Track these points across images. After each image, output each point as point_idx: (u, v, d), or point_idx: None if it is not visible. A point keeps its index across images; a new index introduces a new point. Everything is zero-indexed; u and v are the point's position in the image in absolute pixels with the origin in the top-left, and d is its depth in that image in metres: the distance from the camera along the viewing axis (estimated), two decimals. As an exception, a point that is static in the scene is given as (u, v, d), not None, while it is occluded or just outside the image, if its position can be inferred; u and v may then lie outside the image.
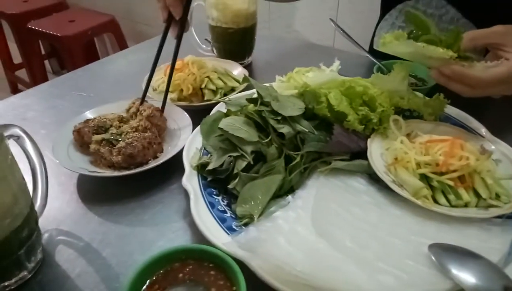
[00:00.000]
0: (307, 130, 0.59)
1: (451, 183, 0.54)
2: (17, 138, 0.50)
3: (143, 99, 0.70)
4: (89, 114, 0.71)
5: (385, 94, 0.65)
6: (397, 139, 0.62)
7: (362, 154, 0.61)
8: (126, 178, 0.60)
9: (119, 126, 0.66)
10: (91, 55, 2.58)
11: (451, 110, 0.72)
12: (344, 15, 1.87)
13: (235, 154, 0.57)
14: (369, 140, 0.63)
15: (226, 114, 0.69)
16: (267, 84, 0.71)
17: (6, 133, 0.47)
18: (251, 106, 0.67)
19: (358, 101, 0.63)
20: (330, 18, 0.93)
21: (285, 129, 0.58)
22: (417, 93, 0.74)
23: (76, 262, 0.50)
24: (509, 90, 0.64)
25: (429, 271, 0.42)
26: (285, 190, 0.57)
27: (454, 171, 0.55)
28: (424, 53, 0.61)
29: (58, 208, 0.58)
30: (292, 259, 0.41)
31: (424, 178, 0.56)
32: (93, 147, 0.62)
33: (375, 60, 0.88)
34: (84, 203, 0.59)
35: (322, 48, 1.14)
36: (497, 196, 0.53)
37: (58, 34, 2.25)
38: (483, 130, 0.68)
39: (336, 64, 0.76)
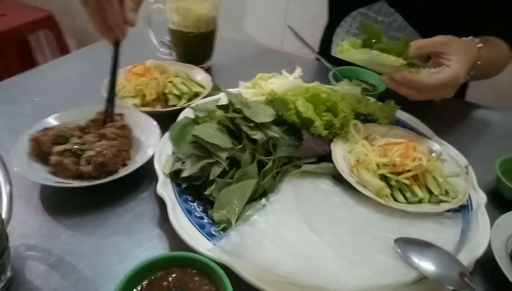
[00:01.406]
0: (278, 136, 0.61)
1: (407, 181, 0.60)
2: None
3: (112, 107, 0.68)
4: (47, 122, 0.67)
5: (346, 100, 0.70)
6: (357, 142, 0.68)
7: (327, 157, 0.65)
8: (95, 188, 0.58)
9: (80, 136, 0.64)
10: (25, 54, 2.39)
11: (401, 115, 0.79)
12: (293, 18, 1.93)
13: (210, 160, 0.58)
14: (332, 144, 0.67)
15: (194, 120, 0.70)
16: (233, 90, 0.73)
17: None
18: (219, 112, 0.69)
19: (322, 107, 0.67)
20: (288, 25, 0.97)
21: (258, 135, 0.60)
22: (370, 98, 0.80)
23: (49, 278, 0.48)
24: (449, 93, 0.72)
25: (396, 262, 0.47)
26: (259, 194, 0.59)
27: (409, 170, 0.61)
28: (377, 60, 0.67)
29: (23, 222, 0.55)
30: (278, 260, 0.44)
31: (383, 178, 0.62)
32: (54, 158, 0.59)
33: (330, 66, 0.94)
34: (51, 215, 0.57)
35: (277, 53, 1.18)
36: (446, 192, 0.60)
37: (-13, 30, 2.06)
38: (429, 132, 0.75)
39: (298, 71, 0.79)
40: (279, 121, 0.65)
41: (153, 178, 0.64)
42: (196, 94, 0.82)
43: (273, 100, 0.66)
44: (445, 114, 0.88)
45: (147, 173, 0.63)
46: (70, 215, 0.57)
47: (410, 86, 0.69)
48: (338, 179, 0.63)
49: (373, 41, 0.69)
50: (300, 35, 0.97)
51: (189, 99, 0.80)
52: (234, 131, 0.61)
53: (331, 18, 1.13)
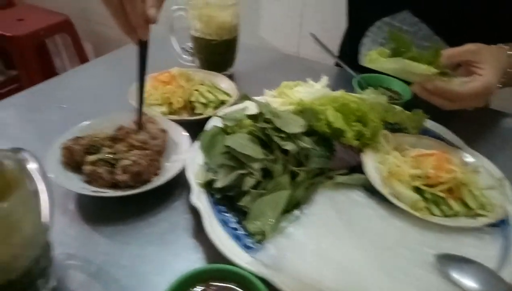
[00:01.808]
0: (309, 146, 0.61)
1: (443, 194, 0.59)
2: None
3: (141, 115, 0.68)
4: (77, 130, 0.68)
5: (375, 109, 0.70)
6: (387, 152, 0.68)
7: (358, 167, 0.65)
8: (129, 197, 0.59)
9: (111, 146, 0.64)
10: (43, 58, 2.43)
11: (429, 124, 0.79)
12: (308, 23, 1.93)
13: (243, 171, 0.58)
14: (362, 154, 0.67)
15: (223, 129, 0.70)
16: (260, 99, 0.73)
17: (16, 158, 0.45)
18: (247, 122, 0.69)
19: (352, 117, 0.67)
20: (311, 33, 0.97)
21: (289, 146, 0.60)
22: (396, 107, 0.80)
23: (91, 287, 0.48)
24: (481, 102, 0.72)
25: (437, 279, 0.46)
26: (292, 205, 0.59)
27: (442, 183, 0.60)
28: (409, 69, 0.67)
29: (61, 231, 0.55)
30: (320, 275, 0.44)
31: (416, 190, 0.61)
32: (88, 168, 0.60)
33: (354, 74, 0.93)
34: (88, 224, 0.57)
35: (296, 60, 1.18)
36: (482, 206, 0.59)
37: (7, 34, 2.10)
38: (459, 142, 0.75)
39: (325, 80, 0.79)
40: (309, 131, 0.64)
41: (184, 186, 0.65)
42: (222, 102, 0.82)
43: (303, 111, 0.66)
44: (472, 123, 0.87)
45: (178, 181, 0.64)
46: (107, 224, 0.58)
47: (442, 96, 0.69)
48: (370, 190, 0.63)
49: (402, 50, 0.69)
50: (322, 42, 0.96)
51: (215, 107, 0.81)
52: (265, 142, 0.62)
53: (351, 24, 1.12)
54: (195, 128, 0.73)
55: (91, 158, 0.61)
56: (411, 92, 0.87)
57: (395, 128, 0.77)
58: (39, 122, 0.80)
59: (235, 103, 0.80)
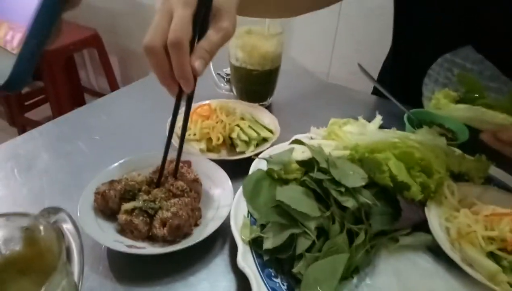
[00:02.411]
0: (370, 202, 0.54)
1: (523, 262, 0.52)
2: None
3: (178, 159, 0.62)
4: (111, 171, 0.63)
5: (440, 158, 0.62)
6: (454, 207, 0.60)
7: (421, 224, 0.58)
8: (168, 253, 0.53)
9: (149, 191, 0.59)
10: (70, 72, 2.44)
11: (492, 170, 0.71)
12: (341, 45, 1.87)
13: (297, 231, 0.52)
14: (426, 209, 0.59)
15: (268, 174, 0.64)
16: (310, 142, 0.67)
17: (52, 220, 0.39)
18: (294, 166, 0.63)
19: (416, 168, 0.59)
20: (358, 63, 0.90)
21: (349, 202, 0.53)
22: (455, 149, 0.72)
23: None
24: None
25: None
26: (350, 271, 0.52)
27: (521, 248, 0.52)
28: (484, 118, 0.59)
29: (91, 288, 0.49)
30: None
31: (491, 256, 0.53)
32: (123, 217, 0.54)
33: (405, 109, 0.86)
34: (120, 283, 0.51)
35: (334, 87, 1.11)
36: None
37: (37, 48, 2.10)
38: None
39: (378, 119, 0.72)
40: (367, 183, 0.57)
41: (225, 239, 0.59)
42: (264, 139, 0.76)
43: (362, 160, 0.59)
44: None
45: (218, 233, 0.57)
46: (141, 283, 0.52)
47: None
48: (436, 251, 0.55)
49: (474, 95, 0.61)
50: (369, 73, 0.90)
51: (257, 145, 0.75)
52: (319, 195, 0.55)
53: (396, 49, 1.05)
54: (234, 167, 0.67)
55: (127, 206, 0.56)
56: (468, 133, 0.80)
57: (453, 175, 0.69)
58: (70, 154, 0.75)
59: (276, 141, 0.74)
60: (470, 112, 0.58)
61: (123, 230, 0.56)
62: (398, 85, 0.99)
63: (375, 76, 1.10)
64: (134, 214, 0.55)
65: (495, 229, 0.55)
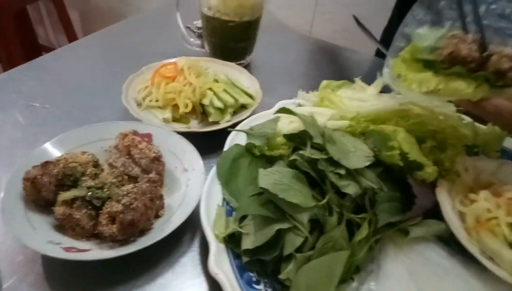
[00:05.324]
0: (376, 187, 0.43)
1: (552, 255, 0.43)
2: None
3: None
4: (49, 148, 0.49)
5: (456, 130, 0.52)
6: (469, 187, 0.50)
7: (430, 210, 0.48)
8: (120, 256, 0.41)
9: (96, 174, 0.46)
10: (23, 26, 2.17)
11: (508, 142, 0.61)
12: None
13: (285, 226, 0.40)
14: (437, 191, 0.49)
15: (248, 150, 0.52)
16: (299, 109, 0.55)
17: None
18: (280, 140, 0.51)
19: (429, 142, 0.49)
20: (353, 15, 0.77)
21: (351, 188, 0.42)
22: (465, 117, 0.62)
23: None
24: None
25: None
26: (351, 272, 0.42)
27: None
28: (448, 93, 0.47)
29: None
30: None
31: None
32: (61, 210, 0.42)
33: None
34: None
35: (321, 44, 0.98)
36: None
37: (-19, -2, 1.84)
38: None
39: (380, 82, 0.60)
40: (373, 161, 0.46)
41: (195, 233, 0.47)
42: (243, 106, 0.63)
43: (366, 133, 0.47)
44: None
45: (185, 225, 0.45)
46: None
47: (507, 122, 0.49)
48: (447, 241, 0.46)
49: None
50: (366, 28, 0.76)
51: (234, 113, 0.62)
52: (313, 179, 0.44)
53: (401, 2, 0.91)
54: (206, 142, 0.55)
55: (65, 195, 0.43)
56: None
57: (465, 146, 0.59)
58: (1, 127, 0.60)
59: (256, 109, 0.62)
60: (432, 84, 0.45)
61: (61, 226, 0.43)
62: None
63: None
64: (75, 205, 0.43)
65: (520, 214, 0.46)
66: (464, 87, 0.44)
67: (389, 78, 0.48)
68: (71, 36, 2.21)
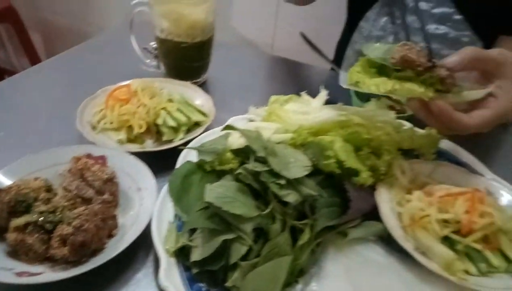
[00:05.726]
0: (315, 193, 0.47)
1: (478, 246, 0.47)
2: None
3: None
4: (0, 177, 0.51)
5: (390, 136, 0.56)
6: (405, 189, 0.55)
7: (371, 212, 0.52)
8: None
9: (48, 199, 0.47)
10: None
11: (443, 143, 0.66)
12: (285, 12, 1.76)
13: (230, 236, 0.43)
14: (376, 194, 0.53)
15: (199, 166, 0.55)
16: (247, 125, 0.58)
17: None
18: (229, 155, 0.54)
19: (365, 149, 0.53)
20: (300, 32, 0.81)
21: (291, 197, 0.45)
22: (405, 123, 0.67)
23: None
24: (489, 129, 0.58)
25: None
26: (294, 275, 0.45)
27: (476, 230, 0.48)
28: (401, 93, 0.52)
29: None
30: None
31: (446, 240, 0.49)
32: (13, 236, 0.43)
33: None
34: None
35: (281, 61, 1.02)
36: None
37: None
38: (480, 167, 0.62)
39: (323, 94, 0.64)
40: (311, 171, 0.50)
41: (149, 249, 0.49)
42: (196, 124, 0.66)
43: (305, 145, 0.51)
44: (488, 139, 0.75)
45: (139, 243, 0.47)
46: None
47: (445, 122, 0.55)
48: (388, 241, 0.50)
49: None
50: (314, 43, 0.81)
51: (188, 131, 0.65)
52: (257, 191, 0.47)
53: (351, 17, 0.96)
54: (161, 161, 0.57)
55: (17, 222, 0.44)
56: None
57: (404, 151, 0.63)
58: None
59: (210, 126, 0.64)
60: (388, 85, 0.51)
61: (15, 252, 0.44)
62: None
63: (330, 46, 1.01)
64: (28, 231, 0.44)
65: (449, 211, 0.50)
66: (416, 88, 0.50)
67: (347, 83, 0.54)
68: (34, 59, 2.18)
